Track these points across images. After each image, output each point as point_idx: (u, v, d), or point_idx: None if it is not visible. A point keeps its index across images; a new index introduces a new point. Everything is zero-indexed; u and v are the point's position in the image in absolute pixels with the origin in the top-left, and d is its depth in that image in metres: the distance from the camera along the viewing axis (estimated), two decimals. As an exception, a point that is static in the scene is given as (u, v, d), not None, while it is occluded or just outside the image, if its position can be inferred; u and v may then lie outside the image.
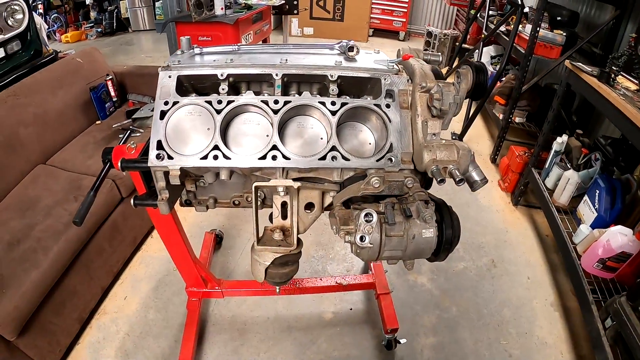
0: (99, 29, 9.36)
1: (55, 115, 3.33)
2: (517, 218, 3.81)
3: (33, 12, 4.22)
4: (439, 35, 7.55)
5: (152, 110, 1.33)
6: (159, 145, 1.28)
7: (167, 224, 1.88)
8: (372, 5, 9.15)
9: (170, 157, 1.27)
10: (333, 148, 1.29)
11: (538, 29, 3.78)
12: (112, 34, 9.51)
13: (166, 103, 1.32)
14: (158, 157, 1.27)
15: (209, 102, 1.32)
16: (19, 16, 3.93)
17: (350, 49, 1.51)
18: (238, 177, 1.52)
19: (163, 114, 1.31)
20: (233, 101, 1.33)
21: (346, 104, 1.34)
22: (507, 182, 4.08)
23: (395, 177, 1.28)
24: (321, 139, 1.35)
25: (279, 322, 2.73)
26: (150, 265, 3.11)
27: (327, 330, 2.70)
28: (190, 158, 1.27)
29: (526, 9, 4.44)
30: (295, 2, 6.01)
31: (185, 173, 1.40)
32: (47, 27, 8.33)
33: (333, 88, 1.40)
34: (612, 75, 2.68)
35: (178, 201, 1.58)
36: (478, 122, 5.50)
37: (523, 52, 3.99)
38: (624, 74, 2.78)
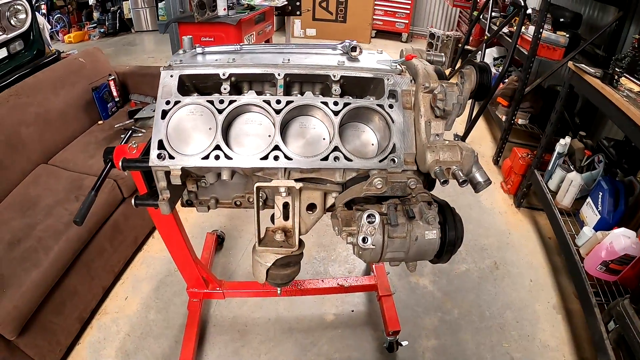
0: (102, 30, 9.38)
1: (57, 115, 3.33)
2: (519, 220, 3.80)
3: (36, 12, 4.21)
4: (442, 36, 7.53)
5: (154, 111, 1.32)
6: (160, 145, 1.27)
7: (168, 225, 1.87)
8: (375, 7, 9.14)
9: (171, 157, 1.26)
10: (335, 148, 1.28)
11: (541, 30, 3.77)
12: (115, 35, 9.52)
13: (168, 102, 1.32)
14: (159, 156, 1.26)
15: (211, 102, 1.31)
16: (22, 16, 3.92)
17: (353, 49, 1.50)
18: (240, 178, 1.52)
19: (164, 114, 1.30)
20: (235, 101, 1.32)
21: (349, 104, 1.32)
22: (509, 184, 4.07)
23: (398, 178, 1.27)
24: (323, 139, 1.34)
25: (280, 324, 2.72)
26: (151, 265, 3.11)
27: (329, 332, 2.69)
28: (192, 158, 1.26)
29: (529, 11, 4.43)
30: (297, 3, 6.00)
31: (186, 173, 1.40)
32: (50, 27, 8.34)
33: (336, 88, 1.39)
34: (616, 77, 2.67)
35: (179, 201, 1.57)
36: (481, 123, 5.49)
37: (526, 53, 3.98)
38: (627, 76, 2.77)
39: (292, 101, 1.32)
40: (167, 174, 1.31)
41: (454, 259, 2.67)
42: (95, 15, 9.54)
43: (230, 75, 1.39)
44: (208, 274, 2.41)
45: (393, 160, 1.29)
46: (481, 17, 5.91)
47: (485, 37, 5.42)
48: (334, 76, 1.38)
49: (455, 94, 1.22)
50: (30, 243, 2.37)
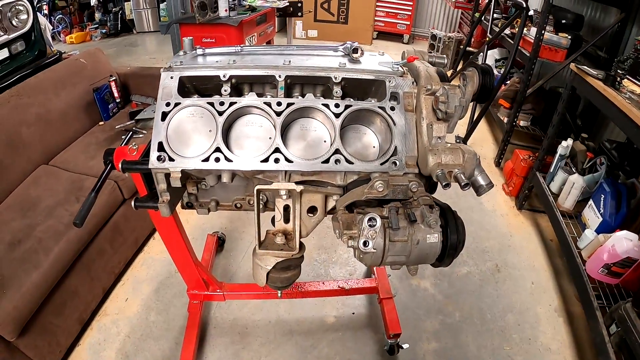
0: (104, 30, 9.39)
1: (58, 116, 3.32)
2: (521, 222, 3.78)
3: (37, 13, 4.22)
4: (443, 38, 7.54)
5: (155, 112, 1.32)
6: (160, 147, 1.27)
7: (169, 227, 1.86)
8: (377, 8, 9.14)
9: (171, 159, 1.25)
10: (336, 151, 1.27)
11: (543, 32, 3.76)
12: (117, 35, 9.53)
13: (168, 104, 1.31)
14: (159, 159, 1.25)
15: (211, 104, 1.31)
16: (24, 16, 3.93)
17: (355, 50, 1.50)
18: (240, 180, 1.51)
19: (164, 115, 1.30)
20: (235, 103, 1.31)
21: (350, 106, 1.32)
22: (511, 186, 4.06)
23: (399, 181, 1.26)
24: (324, 141, 1.33)
25: (281, 326, 2.71)
26: (152, 267, 3.10)
27: (329, 334, 2.67)
28: (192, 160, 1.25)
29: (531, 12, 4.42)
30: (299, 5, 6.00)
31: (186, 175, 1.39)
32: (51, 27, 8.35)
33: (337, 90, 1.38)
34: (618, 79, 2.66)
35: (179, 204, 1.57)
36: (482, 125, 5.47)
37: (528, 55, 3.98)
38: (629, 78, 2.76)
39: (292, 103, 1.31)
40: (167, 176, 1.30)
41: (455, 262, 2.65)
42: (97, 16, 9.54)
43: (231, 77, 1.38)
44: (208, 276, 2.40)
45: (394, 163, 1.28)
46: (483, 18, 5.92)
47: (487, 39, 5.41)
48: (335, 78, 1.37)
49: (458, 96, 1.21)
50: (31, 244, 2.36)
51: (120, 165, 1.35)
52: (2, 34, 3.73)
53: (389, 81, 1.37)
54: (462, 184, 1.17)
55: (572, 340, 2.75)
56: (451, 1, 7.98)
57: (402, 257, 1.23)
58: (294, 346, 2.60)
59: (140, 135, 3.33)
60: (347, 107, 1.32)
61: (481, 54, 5.51)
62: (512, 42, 4.48)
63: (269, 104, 1.31)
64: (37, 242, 2.37)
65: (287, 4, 5.84)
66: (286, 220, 1.36)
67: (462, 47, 6.84)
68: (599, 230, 2.84)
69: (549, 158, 3.56)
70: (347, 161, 1.26)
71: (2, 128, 2.88)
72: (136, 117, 3.43)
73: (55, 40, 8.69)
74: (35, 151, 3.08)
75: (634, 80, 2.76)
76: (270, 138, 1.30)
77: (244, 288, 2.62)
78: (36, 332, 2.25)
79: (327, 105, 1.32)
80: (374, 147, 1.39)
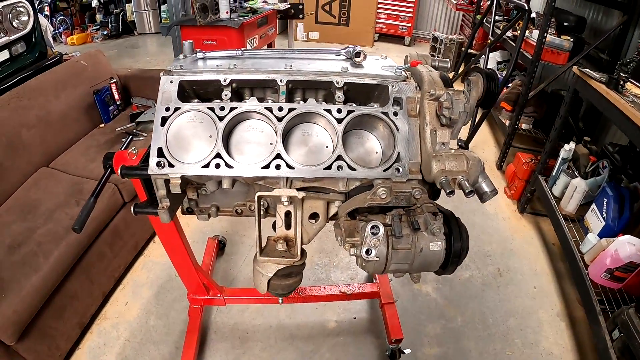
0: (105, 32, 9.39)
1: (58, 118, 3.31)
2: (523, 226, 3.77)
3: (38, 14, 4.21)
4: (445, 40, 7.52)
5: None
6: (160, 153, 1.25)
7: (169, 231, 1.85)
8: (378, 10, 9.12)
9: (171, 165, 1.24)
10: (339, 157, 1.25)
11: (545, 34, 3.74)
12: (118, 37, 9.53)
13: (167, 109, 1.29)
14: (158, 164, 1.24)
15: (211, 109, 1.29)
16: (24, 18, 3.91)
17: (357, 54, 1.48)
18: (241, 186, 1.49)
19: (164, 120, 1.28)
20: (236, 108, 1.29)
21: (352, 111, 1.30)
22: (513, 190, 4.04)
23: (402, 187, 1.24)
24: (326, 147, 1.31)
25: (281, 331, 2.69)
26: (152, 270, 3.09)
27: (330, 339, 2.66)
28: (192, 166, 1.24)
29: (533, 14, 4.40)
30: (300, 7, 5.97)
31: (186, 181, 1.37)
32: (52, 29, 8.34)
33: (339, 95, 1.36)
34: (621, 82, 2.65)
35: (179, 209, 1.55)
36: (484, 128, 5.45)
37: (530, 57, 3.96)
38: (632, 81, 2.74)
39: (294, 108, 1.29)
40: (167, 182, 1.28)
41: (457, 266, 2.64)
42: (98, 17, 9.55)
43: (232, 81, 1.37)
44: (209, 281, 2.39)
45: (397, 169, 1.26)
46: (484, 20, 5.90)
47: (489, 41, 5.39)
48: (338, 83, 1.35)
49: (462, 102, 1.19)
50: (31, 247, 2.35)
51: (119, 171, 1.33)
52: (2, 35, 3.72)
53: (392, 86, 1.36)
54: (467, 191, 1.16)
55: (574, 345, 2.74)
56: (452, 3, 7.96)
57: (405, 265, 1.21)
58: (295, 351, 2.59)
59: (141, 138, 3.32)
60: (349, 112, 1.30)
61: (483, 56, 5.49)
62: (514, 44, 4.46)
63: (270, 109, 1.29)
64: (36, 246, 2.36)
65: (289, 6, 5.83)
66: (287, 226, 1.34)
67: (463, 49, 6.82)
68: (601, 235, 2.83)
69: (551, 161, 3.55)
70: (350, 167, 1.25)
71: (2, 130, 2.87)
72: (137, 120, 3.38)
73: (56, 42, 8.70)
74: (36, 153, 3.07)
75: (636, 84, 2.75)
76: (271, 144, 1.28)
77: (244, 293, 2.61)
78: (36, 336, 2.24)
79: (329, 111, 1.30)
80: (376, 152, 1.37)
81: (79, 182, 2.87)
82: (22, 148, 2.97)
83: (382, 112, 1.31)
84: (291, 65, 1.41)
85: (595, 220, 2.96)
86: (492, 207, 3.96)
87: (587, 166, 3.36)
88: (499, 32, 5.15)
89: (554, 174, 3.46)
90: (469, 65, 6.20)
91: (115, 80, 3.82)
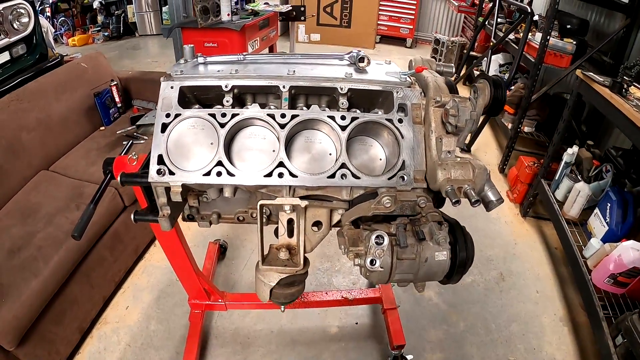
0: (106, 33, 9.39)
1: (58, 121, 3.30)
2: (525, 230, 3.75)
3: (40, 15, 4.20)
4: (447, 42, 7.51)
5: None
6: (160, 160, 1.23)
7: (170, 237, 1.83)
8: (379, 12, 9.12)
9: (171, 173, 1.22)
10: (343, 165, 1.23)
11: (548, 37, 3.73)
12: (119, 38, 9.53)
13: (168, 115, 1.27)
14: (159, 172, 1.22)
15: (213, 115, 1.27)
16: (25, 19, 3.91)
17: (361, 59, 1.45)
18: (243, 193, 1.46)
19: (164, 127, 1.26)
20: (238, 114, 1.27)
21: (357, 118, 1.28)
22: (515, 193, 4.02)
23: (407, 196, 1.22)
24: (330, 154, 1.29)
25: (283, 336, 2.67)
26: (152, 274, 3.07)
27: (332, 345, 2.64)
28: (193, 174, 1.22)
29: (535, 17, 4.38)
30: (302, 9, 5.97)
31: (187, 188, 1.35)
32: (54, 30, 8.34)
33: (343, 101, 1.34)
34: (625, 86, 2.63)
35: (180, 215, 1.53)
36: (486, 131, 5.44)
37: (533, 60, 3.95)
38: (636, 85, 2.73)
39: (297, 115, 1.27)
40: (168, 190, 1.26)
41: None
42: (100, 18, 9.55)
43: (233, 87, 1.34)
44: (210, 286, 2.37)
45: (402, 177, 1.24)
46: (486, 23, 5.88)
47: (491, 44, 5.38)
48: (342, 89, 1.33)
49: (469, 109, 1.17)
50: (30, 251, 2.34)
51: (119, 178, 1.31)
52: (3, 37, 3.71)
53: (397, 92, 1.33)
54: (473, 200, 1.14)
55: (577, 350, 2.72)
56: (454, 5, 7.95)
57: (409, 275, 1.19)
58: (297, 357, 2.57)
59: (142, 141, 3.30)
60: (353, 119, 1.27)
61: (485, 58, 5.48)
62: (517, 47, 4.45)
63: (272, 116, 1.27)
64: (36, 250, 2.35)
65: (290, 8, 5.82)
66: (290, 234, 1.32)
67: (465, 51, 6.81)
68: (605, 239, 2.81)
69: (554, 165, 3.53)
70: (354, 176, 1.22)
71: (2, 133, 2.86)
72: (137, 123, 3.40)
73: (57, 43, 8.70)
74: (36, 156, 3.06)
75: (641, 88, 2.73)
76: (273, 151, 1.26)
77: (245, 298, 2.58)
78: (35, 341, 2.23)
79: (332, 118, 1.28)
80: (380, 159, 1.35)
81: (79, 186, 2.85)
82: (22, 151, 2.96)
83: (386, 119, 1.29)
84: (294, 71, 1.38)
85: (598, 224, 2.94)
86: (495, 210, 3.88)
87: (590, 170, 3.33)
88: (501, 34, 5.15)
89: (557, 177, 3.44)
90: (471, 68, 6.18)
91: (116, 82, 3.81)
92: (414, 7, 8.99)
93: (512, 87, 4.81)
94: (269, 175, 1.21)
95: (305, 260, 1.32)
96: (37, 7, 4.05)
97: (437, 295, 3.00)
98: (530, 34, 4.23)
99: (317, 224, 1.36)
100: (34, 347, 2.21)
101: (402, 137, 1.27)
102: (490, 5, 5.87)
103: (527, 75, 4.59)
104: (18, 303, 2.08)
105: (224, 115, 1.27)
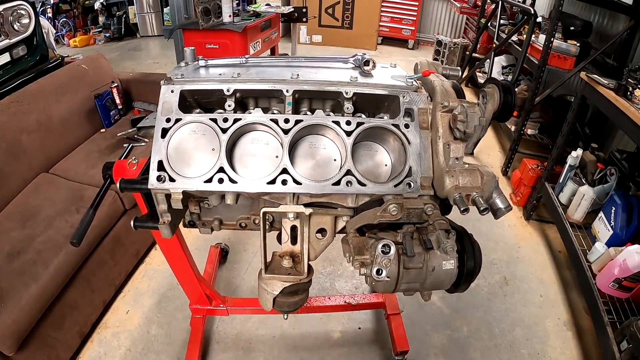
0: (107, 34, 9.39)
1: (58, 123, 3.28)
2: (529, 233, 3.72)
3: (40, 16, 4.18)
4: (449, 44, 7.49)
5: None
6: (160, 166, 1.20)
7: (171, 242, 1.81)
8: (381, 13, 9.10)
9: (172, 179, 1.19)
10: (348, 172, 1.20)
11: (552, 39, 3.70)
12: (120, 39, 9.52)
13: (168, 120, 1.24)
14: (159, 179, 1.19)
15: (214, 120, 1.24)
16: (25, 20, 3.89)
17: (366, 63, 1.42)
18: (245, 199, 1.44)
19: (165, 132, 1.23)
20: (240, 119, 1.24)
21: (362, 123, 1.25)
22: (519, 196, 3.99)
23: (414, 204, 1.19)
24: (334, 160, 1.26)
25: (285, 341, 2.65)
26: (153, 278, 3.04)
27: (335, 350, 2.61)
28: (194, 181, 1.19)
29: (539, 19, 4.36)
30: (304, 10, 5.95)
31: (188, 195, 1.31)
32: (55, 31, 8.33)
33: (348, 106, 1.31)
34: (630, 89, 2.61)
35: (181, 221, 1.51)
36: (489, 133, 5.41)
37: (536, 62, 3.92)
38: (641, 87, 2.71)
39: (301, 120, 1.24)
40: (168, 196, 1.23)
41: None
42: (101, 19, 9.55)
43: (235, 91, 1.32)
44: (211, 291, 2.34)
45: (409, 184, 1.21)
46: (489, 24, 5.86)
47: (494, 45, 5.36)
48: (347, 93, 1.30)
49: (477, 115, 1.13)
50: (30, 255, 2.31)
51: (118, 185, 1.28)
52: (3, 38, 3.69)
53: (403, 96, 1.30)
54: (481, 208, 1.11)
55: (581, 355, 2.69)
56: (456, 7, 7.94)
57: (416, 284, 1.17)
58: (299, 362, 2.55)
59: (142, 144, 3.28)
60: (359, 124, 1.25)
61: (488, 60, 5.46)
62: (520, 48, 4.42)
63: (275, 121, 1.24)
64: (36, 254, 2.32)
65: (292, 9, 5.80)
66: (293, 241, 1.30)
67: (467, 53, 6.79)
68: (609, 244, 2.79)
69: (558, 168, 3.50)
70: (360, 183, 1.19)
71: (2, 135, 2.84)
72: (138, 125, 3.38)
73: (58, 44, 8.69)
74: (36, 159, 3.03)
75: (646, 90, 2.71)
76: (277, 157, 1.23)
77: (247, 303, 2.56)
78: (35, 346, 2.21)
79: (338, 123, 1.25)
80: (385, 165, 1.32)
81: (79, 189, 2.83)
82: (22, 153, 2.94)
83: (393, 124, 1.26)
84: (297, 75, 1.35)
85: (603, 228, 2.92)
86: (498, 213, 3.90)
87: (594, 173, 3.32)
88: (504, 36, 5.13)
89: (561, 181, 3.42)
90: (473, 69, 6.16)
91: (116, 84, 3.79)
92: (416, 9, 8.97)
93: (516, 89, 4.78)
94: (273, 182, 1.18)
95: (309, 268, 1.29)
96: (37, 8, 4.02)
97: (440, 300, 2.97)
98: (533, 35, 4.20)
99: (322, 231, 1.33)
100: (33, 352, 2.19)
101: (409, 143, 1.24)
102: (493, 6, 5.85)
103: (530, 77, 4.57)
104: (17, 307, 2.06)
105: (225, 120, 1.24)
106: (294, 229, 1.28)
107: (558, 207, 3.29)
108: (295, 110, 1.36)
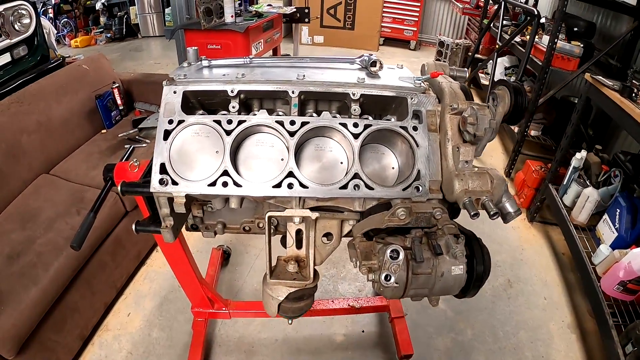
0: (109, 35, 9.37)
1: (59, 123, 3.26)
2: (532, 235, 3.70)
3: (42, 17, 4.16)
4: (451, 44, 7.46)
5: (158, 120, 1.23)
6: (163, 169, 1.17)
7: (173, 245, 1.78)
8: (383, 14, 9.07)
9: (174, 183, 1.16)
10: (355, 175, 1.18)
11: (556, 40, 3.68)
12: (122, 40, 9.50)
13: (170, 122, 1.22)
14: (161, 182, 1.16)
15: (218, 122, 1.21)
16: (26, 21, 3.86)
17: (373, 63, 1.39)
18: (249, 202, 1.41)
19: (167, 134, 1.20)
20: (244, 121, 1.22)
21: (370, 125, 1.22)
22: (522, 198, 3.97)
23: (422, 208, 1.16)
24: (341, 163, 1.24)
25: (288, 345, 2.62)
26: (154, 280, 3.02)
27: (338, 353, 2.59)
28: (197, 184, 1.16)
29: (542, 20, 4.34)
30: (306, 11, 5.92)
31: (191, 198, 1.29)
32: (56, 31, 8.32)
33: (355, 108, 1.28)
34: (635, 90, 2.59)
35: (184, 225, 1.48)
36: (491, 134, 5.38)
37: (540, 63, 3.90)
38: (646, 89, 2.68)
39: (307, 122, 1.21)
40: (170, 200, 1.20)
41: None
42: (102, 20, 9.53)
43: (240, 92, 1.29)
44: (213, 294, 2.32)
45: (417, 188, 1.18)
46: (492, 25, 5.84)
47: (497, 46, 5.33)
48: (354, 94, 1.28)
49: (488, 117, 1.11)
50: (30, 258, 2.29)
51: (119, 188, 1.25)
52: (4, 38, 3.67)
53: (411, 98, 1.28)
54: (491, 213, 1.08)
55: (585, 358, 2.68)
56: (458, 7, 7.91)
57: (424, 290, 1.15)
58: (302, 366, 2.52)
59: (144, 145, 3.26)
60: (366, 127, 1.22)
61: (490, 61, 5.43)
62: (522, 49, 4.40)
63: (281, 123, 1.21)
64: (36, 256, 2.30)
65: (294, 9, 5.78)
66: (298, 245, 1.27)
67: (470, 54, 6.77)
68: (614, 246, 2.77)
69: (562, 169, 3.48)
70: (367, 186, 1.17)
71: (2, 136, 2.82)
72: (139, 126, 3.36)
73: (60, 44, 8.68)
74: (36, 160, 3.01)
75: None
76: (282, 159, 1.21)
77: (250, 306, 2.53)
78: (35, 349, 2.19)
79: (345, 125, 1.22)
80: (393, 167, 1.29)
81: (80, 190, 2.81)
82: (23, 154, 2.92)
83: (400, 127, 1.23)
84: (303, 75, 1.32)
85: (607, 231, 2.90)
86: (501, 215, 3.88)
87: (598, 175, 3.29)
88: (506, 36, 5.10)
89: (565, 182, 3.39)
90: (476, 70, 6.14)
91: (117, 84, 3.77)
92: (418, 9, 8.95)
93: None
94: (278, 185, 1.16)
95: (315, 273, 1.27)
96: (38, 9, 4.00)
97: (444, 302, 2.95)
98: (537, 36, 4.18)
99: (327, 235, 1.31)
100: (34, 356, 2.17)
101: (417, 146, 1.21)
102: (495, 7, 5.83)
103: (533, 79, 4.54)
104: (17, 310, 2.05)
105: (229, 122, 1.22)
106: (299, 232, 1.26)
107: (562, 209, 3.26)
108: (301, 112, 1.33)
